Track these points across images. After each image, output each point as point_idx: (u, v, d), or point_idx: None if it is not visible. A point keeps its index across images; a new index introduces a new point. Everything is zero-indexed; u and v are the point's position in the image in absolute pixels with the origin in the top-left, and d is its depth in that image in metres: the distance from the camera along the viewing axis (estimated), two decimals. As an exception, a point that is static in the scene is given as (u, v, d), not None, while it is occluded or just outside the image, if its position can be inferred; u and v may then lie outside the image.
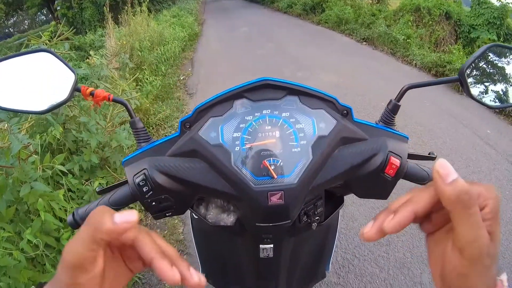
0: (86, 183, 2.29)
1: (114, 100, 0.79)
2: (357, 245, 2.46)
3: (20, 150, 1.72)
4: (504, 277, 0.35)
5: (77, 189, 2.21)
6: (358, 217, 2.71)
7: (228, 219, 0.80)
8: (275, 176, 0.66)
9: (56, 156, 2.00)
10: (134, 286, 2.23)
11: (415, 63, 7.04)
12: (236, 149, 0.68)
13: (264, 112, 0.72)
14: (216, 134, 0.70)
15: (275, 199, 0.66)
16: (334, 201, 0.90)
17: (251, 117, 0.71)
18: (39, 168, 1.87)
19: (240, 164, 0.67)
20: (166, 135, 0.76)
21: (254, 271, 0.98)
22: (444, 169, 0.33)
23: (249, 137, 0.69)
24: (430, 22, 9.59)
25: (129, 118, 0.81)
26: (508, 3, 9.58)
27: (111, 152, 2.45)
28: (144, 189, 0.70)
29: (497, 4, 9.73)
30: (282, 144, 0.69)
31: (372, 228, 0.38)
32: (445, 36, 9.87)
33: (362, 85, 5.62)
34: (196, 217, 0.84)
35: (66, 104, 0.83)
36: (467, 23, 10.01)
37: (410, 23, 9.24)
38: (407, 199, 0.37)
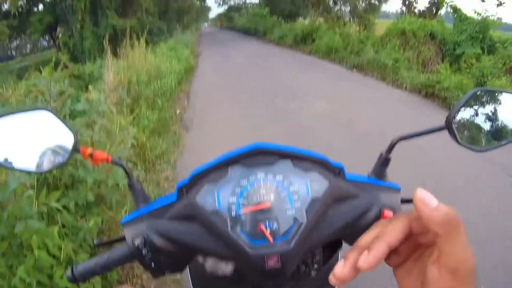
0: (81, 220, 2.28)
1: (113, 162, 0.80)
2: (359, 280, 2.42)
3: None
4: None
5: (72, 226, 2.20)
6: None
7: (226, 268, 0.81)
8: (271, 240, 0.67)
9: (52, 193, 1.99)
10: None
11: (405, 86, 7.20)
12: (232, 214, 0.70)
13: (258, 176, 0.73)
14: (212, 200, 0.71)
15: (272, 263, 0.67)
16: (332, 243, 0.90)
17: (246, 181, 0.73)
18: (35, 204, 1.87)
19: (236, 229, 0.68)
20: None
21: None
22: (427, 196, 0.34)
23: (245, 202, 0.71)
24: (416, 44, 9.85)
25: (128, 181, 0.83)
26: (488, 16, 9.87)
27: (107, 190, 2.46)
28: (143, 252, 0.71)
29: (478, 18, 9.98)
30: (277, 207, 0.70)
31: (344, 268, 0.38)
32: (432, 55, 10.08)
33: (354, 112, 5.69)
34: (194, 265, 0.85)
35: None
36: (451, 40, 10.20)
37: (397, 47, 9.49)
38: (377, 233, 0.38)
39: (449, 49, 10.29)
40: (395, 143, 0.79)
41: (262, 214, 0.69)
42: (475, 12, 10.14)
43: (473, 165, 3.96)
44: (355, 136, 4.72)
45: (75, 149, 0.76)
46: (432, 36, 10.37)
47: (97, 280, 1.99)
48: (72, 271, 0.76)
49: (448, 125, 0.74)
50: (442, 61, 9.69)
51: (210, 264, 0.82)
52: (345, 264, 0.37)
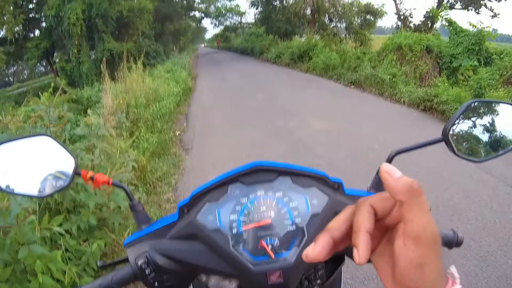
0: (84, 244, 2.27)
1: (114, 185, 0.82)
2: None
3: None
4: (453, 269, 0.38)
5: (75, 249, 2.19)
6: (363, 266, 2.66)
7: (230, 286, 0.81)
8: (273, 256, 0.68)
9: (54, 218, 1.99)
10: None
11: (403, 101, 7.21)
12: (233, 232, 0.71)
13: (258, 193, 0.74)
14: (213, 218, 0.72)
15: (274, 278, 0.68)
16: (335, 258, 0.89)
17: (246, 199, 0.74)
18: (37, 229, 1.86)
19: (238, 246, 0.69)
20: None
21: None
22: (391, 169, 0.36)
23: (245, 219, 0.72)
24: (413, 58, 9.91)
25: (130, 202, 0.84)
26: (483, 28, 9.94)
27: (109, 213, 2.45)
28: (147, 271, 0.72)
29: (473, 30, 10.07)
30: (278, 223, 0.71)
31: (313, 249, 0.40)
32: (429, 69, 10.15)
33: (354, 129, 5.71)
34: (197, 284, 0.85)
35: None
36: (448, 53, 10.29)
37: (394, 62, 9.54)
38: (345, 216, 0.41)
39: (446, 62, 10.39)
40: (393, 157, 0.80)
41: (263, 230, 0.70)
42: (470, 24, 10.27)
43: (471, 176, 3.97)
44: (355, 152, 4.72)
45: (76, 172, 0.77)
46: (429, 49, 10.47)
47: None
48: None
49: (445, 137, 0.75)
50: (439, 75, 9.73)
51: (214, 282, 0.82)
52: (314, 246, 0.39)
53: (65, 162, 0.78)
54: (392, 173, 0.36)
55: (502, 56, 9.43)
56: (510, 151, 0.78)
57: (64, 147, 0.78)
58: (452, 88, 7.33)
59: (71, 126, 3.20)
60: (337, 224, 0.40)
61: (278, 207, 0.72)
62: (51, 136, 0.79)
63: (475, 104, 0.80)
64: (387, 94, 7.90)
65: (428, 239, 0.33)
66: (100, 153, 2.72)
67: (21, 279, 1.80)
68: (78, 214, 2.32)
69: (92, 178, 0.80)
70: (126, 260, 0.77)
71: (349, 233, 0.40)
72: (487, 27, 10.07)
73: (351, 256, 0.81)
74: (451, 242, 0.82)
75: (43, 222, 1.90)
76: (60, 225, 2.02)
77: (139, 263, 0.72)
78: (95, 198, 2.26)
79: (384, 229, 0.40)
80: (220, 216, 0.72)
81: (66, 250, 2.13)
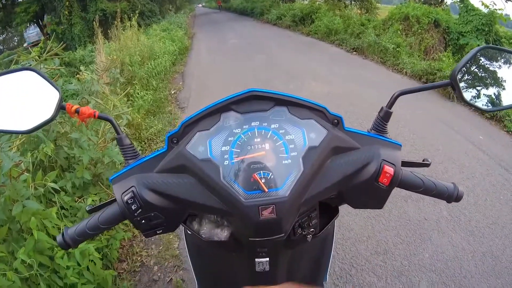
0: (79, 200, 2.26)
1: (100, 117, 0.77)
2: (354, 255, 2.45)
3: (12, 168, 1.69)
4: None
5: (70, 206, 2.18)
6: (354, 227, 2.70)
7: (222, 234, 0.79)
8: (266, 190, 0.65)
9: (48, 174, 1.97)
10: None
11: (406, 72, 7.12)
12: (225, 163, 0.67)
13: (253, 124, 0.71)
14: (204, 149, 0.69)
15: (266, 213, 0.64)
16: (329, 212, 0.88)
17: (240, 129, 0.70)
18: (31, 186, 1.84)
19: (229, 179, 0.66)
20: (158, 149, 0.75)
21: (250, 286, 0.96)
22: None
23: (238, 151, 0.68)
24: (419, 30, 9.70)
25: (116, 135, 0.80)
26: (496, 9, 9.68)
27: (104, 168, 2.43)
28: (133, 207, 0.68)
29: (485, 10, 9.80)
30: (272, 156, 0.67)
31: None
32: (435, 44, 9.98)
33: (353, 95, 5.66)
34: (190, 233, 0.83)
35: (57, 121, 0.82)
36: (456, 30, 10.10)
37: (399, 32, 9.35)
38: None
39: (453, 38, 10.18)
40: (397, 97, 0.76)
41: (256, 163, 0.66)
42: (482, 4, 9.97)
43: (466, 153, 3.97)
44: (354, 118, 4.72)
45: (61, 106, 0.73)
46: (436, 23, 10.23)
47: (96, 258, 1.99)
48: (63, 236, 0.73)
49: (453, 81, 0.71)
50: (445, 50, 9.55)
51: (206, 230, 0.80)
52: None
53: (50, 96, 0.73)
54: None
55: (511, 41, 9.28)
56: None
57: (48, 81, 0.74)
58: (457, 63, 7.17)
59: (63, 82, 3.11)
60: None
61: (273, 139, 0.69)
62: (35, 70, 0.74)
63: (486, 51, 0.76)
64: (389, 63, 7.78)
65: None
66: (94, 108, 2.65)
67: (17, 238, 1.79)
68: (73, 171, 2.30)
69: (77, 111, 0.75)
70: (114, 200, 0.73)
71: None
72: (499, 9, 9.79)
73: (350, 204, 0.77)
74: (451, 196, 0.78)
75: (37, 178, 1.88)
76: (55, 182, 1.99)
77: (125, 198, 0.68)
78: (89, 153, 2.22)
79: None
80: (212, 146, 0.68)
81: (62, 207, 2.12)
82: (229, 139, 0.69)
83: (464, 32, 9.92)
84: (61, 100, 0.73)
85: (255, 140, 0.69)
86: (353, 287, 2.21)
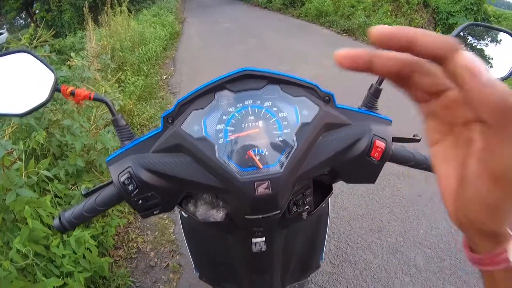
0: (73, 187, 2.25)
1: (95, 99, 0.77)
2: (349, 233, 2.48)
3: (4, 157, 1.68)
4: None
5: (64, 194, 2.17)
6: (348, 206, 2.72)
7: (218, 214, 0.79)
8: (261, 166, 0.66)
9: (41, 162, 1.96)
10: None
11: (396, 52, 7.11)
12: (220, 141, 0.68)
13: (246, 102, 0.71)
14: (199, 127, 0.69)
15: (262, 189, 0.65)
16: (323, 190, 0.90)
17: (234, 108, 0.71)
18: (24, 174, 1.82)
19: (224, 156, 0.67)
20: (153, 129, 0.75)
21: (247, 266, 0.97)
22: (477, 63, 0.23)
23: (233, 129, 0.69)
24: (409, 11, 9.67)
25: (112, 117, 0.80)
26: None
27: (97, 155, 2.42)
28: (130, 188, 0.69)
29: None
30: (266, 133, 0.68)
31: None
32: (424, 24, 9.98)
33: (344, 76, 5.62)
34: (186, 215, 0.83)
35: (49, 108, 0.81)
36: (445, 10, 10.11)
37: (389, 13, 9.33)
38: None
39: (442, 18, 10.21)
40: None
41: (250, 141, 0.67)
42: None
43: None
44: (347, 99, 4.68)
45: (56, 88, 0.73)
46: (426, 4, 10.22)
47: (92, 245, 1.99)
48: (59, 219, 0.74)
49: None
50: (434, 30, 9.59)
51: (202, 212, 0.80)
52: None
53: (45, 78, 0.73)
54: (477, 70, 0.23)
55: (500, 19, 9.29)
56: (501, 80, 0.73)
57: (44, 63, 0.73)
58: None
59: (54, 68, 3.07)
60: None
61: (266, 116, 0.69)
62: (30, 52, 0.73)
63: (472, 29, 0.76)
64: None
65: (510, 184, 0.24)
66: (85, 95, 2.63)
67: (12, 228, 1.79)
68: (66, 159, 2.29)
69: (72, 93, 0.75)
70: (111, 183, 0.73)
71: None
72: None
73: (344, 179, 0.79)
74: (411, 161, 0.81)
75: (29, 166, 1.86)
76: (48, 170, 1.98)
77: (122, 179, 0.68)
78: (82, 139, 2.21)
79: (451, 123, 0.30)
80: (206, 125, 0.69)
81: (56, 196, 2.11)
82: (224, 117, 0.70)
83: (453, 11, 9.94)
84: (56, 82, 0.73)
85: (249, 118, 0.70)
86: (350, 265, 2.24)
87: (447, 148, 0.31)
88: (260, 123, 0.69)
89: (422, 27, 9.76)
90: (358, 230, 2.50)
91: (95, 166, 2.46)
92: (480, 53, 0.77)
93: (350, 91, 5.02)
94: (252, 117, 0.70)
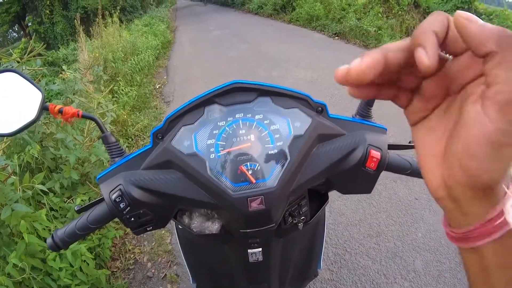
0: (68, 200, 2.24)
1: (84, 116, 0.77)
2: (347, 239, 2.47)
3: (-2, 172, 1.67)
4: None
5: (60, 207, 2.16)
6: (345, 211, 2.72)
7: (213, 226, 0.78)
8: (254, 181, 0.65)
9: (36, 175, 1.95)
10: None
11: (389, 54, 7.16)
12: (211, 157, 0.67)
13: (237, 116, 0.71)
14: (189, 143, 0.68)
15: (255, 205, 0.65)
16: (319, 198, 0.89)
17: (224, 122, 0.70)
18: (19, 189, 1.81)
19: (216, 172, 0.66)
20: (144, 146, 0.75)
21: (245, 276, 0.96)
22: (469, 15, 0.26)
23: (224, 143, 0.68)
24: (400, 12, 9.72)
25: (102, 134, 0.80)
26: None
27: (91, 167, 2.41)
28: (121, 206, 0.68)
29: None
30: (258, 147, 0.67)
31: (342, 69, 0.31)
32: (415, 24, 9.96)
33: (338, 80, 5.66)
34: (181, 227, 0.82)
35: (42, 121, 0.81)
36: (436, 9, 10.10)
37: (380, 15, 9.38)
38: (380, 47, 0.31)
39: None
40: None
41: (242, 155, 0.66)
42: None
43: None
44: (340, 102, 4.73)
45: (44, 107, 0.73)
46: (416, 4, 10.25)
47: (89, 258, 1.98)
48: (52, 238, 0.73)
49: None
50: None
51: (197, 224, 0.79)
52: (361, 60, 0.30)
53: (33, 97, 0.72)
54: (472, 19, 0.26)
55: (491, 17, 9.35)
56: None
57: (31, 82, 0.73)
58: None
59: (46, 82, 3.06)
60: (394, 46, 0.30)
61: (258, 130, 0.68)
62: (17, 71, 0.73)
63: None
64: (372, 46, 7.79)
65: None
66: (78, 107, 2.63)
67: (8, 242, 1.77)
68: (60, 172, 2.27)
69: (60, 111, 0.75)
70: (103, 199, 0.72)
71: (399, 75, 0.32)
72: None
73: (339, 190, 0.78)
74: (407, 169, 0.81)
75: (24, 180, 1.86)
76: (43, 183, 1.97)
77: (113, 197, 0.67)
78: (76, 152, 2.20)
79: (439, 96, 0.32)
80: (197, 140, 0.68)
81: (51, 209, 2.10)
82: (214, 132, 0.69)
83: (444, 11, 9.95)
84: (44, 101, 0.73)
85: (240, 131, 0.69)
86: (348, 271, 2.23)
87: (433, 120, 0.33)
88: (252, 136, 0.68)
89: (413, 27, 9.82)
90: (356, 236, 2.50)
91: (90, 178, 2.44)
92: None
93: (344, 93, 5.06)
94: (244, 131, 0.69)
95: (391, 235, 2.49)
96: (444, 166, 0.30)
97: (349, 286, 2.14)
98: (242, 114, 0.71)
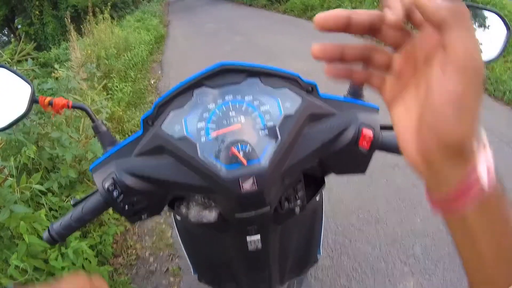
0: (67, 199, 2.24)
1: (74, 107, 0.77)
2: (346, 226, 2.48)
3: (-5, 175, 1.67)
4: (484, 136, 0.31)
5: (59, 206, 2.16)
6: (344, 199, 2.72)
7: (210, 215, 0.79)
8: (245, 162, 0.64)
9: (33, 176, 1.95)
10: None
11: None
12: (202, 140, 0.67)
13: (226, 98, 0.70)
14: (180, 127, 0.68)
15: (247, 186, 0.64)
16: (315, 183, 0.89)
17: (214, 104, 0.70)
18: (17, 190, 1.81)
19: (207, 155, 0.65)
20: (136, 132, 0.75)
21: (245, 265, 0.96)
22: None
23: (214, 126, 0.68)
24: (395, -1, 9.70)
25: (92, 123, 0.80)
26: None
27: (89, 164, 2.40)
28: (115, 194, 0.68)
29: None
30: (249, 128, 0.67)
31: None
32: (413, 10, 10.00)
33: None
34: (179, 218, 0.82)
35: (37, 122, 0.81)
36: None
37: (375, 3, 9.33)
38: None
39: None
40: None
41: (233, 137, 0.66)
42: None
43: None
44: (338, 91, 4.67)
45: (34, 100, 0.73)
46: (413, -9, 10.25)
47: (91, 256, 1.98)
48: (49, 231, 0.73)
49: None
50: None
51: (194, 213, 0.79)
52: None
53: (22, 91, 0.72)
54: None
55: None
56: (492, 61, 0.75)
57: (19, 75, 0.73)
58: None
59: (39, 82, 3.04)
60: (362, 10, 0.34)
61: (248, 111, 0.68)
62: (4, 66, 0.73)
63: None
64: (368, 35, 7.82)
65: (473, 73, 0.27)
66: (73, 106, 2.62)
67: (9, 244, 1.77)
68: (58, 171, 2.27)
69: (50, 103, 0.76)
70: (97, 191, 0.73)
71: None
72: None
73: (334, 171, 0.79)
74: None
75: (21, 181, 1.85)
76: (40, 184, 1.97)
77: (106, 185, 0.67)
78: (72, 150, 2.20)
79: (409, 72, 0.34)
80: (187, 124, 0.68)
81: (50, 209, 2.10)
82: (204, 115, 0.69)
83: (441, -2, 9.94)
84: (34, 93, 0.73)
85: (230, 113, 0.69)
86: (348, 257, 2.25)
87: (406, 98, 0.34)
88: (242, 118, 0.68)
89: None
90: (355, 223, 2.51)
91: (88, 176, 2.44)
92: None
93: (343, 86, 5.02)
94: (234, 112, 0.69)
95: (390, 221, 2.50)
96: (418, 137, 0.32)
97: (349, 272, 2.16)
98: (232, 95, 0.70)
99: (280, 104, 0.69)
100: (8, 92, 0.73)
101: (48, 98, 0.75)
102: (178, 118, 0.69)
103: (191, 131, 0.67)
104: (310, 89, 0.74)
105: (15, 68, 2.38)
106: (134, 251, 2.52)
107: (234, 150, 0.65)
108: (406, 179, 2.86)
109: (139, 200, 0.71)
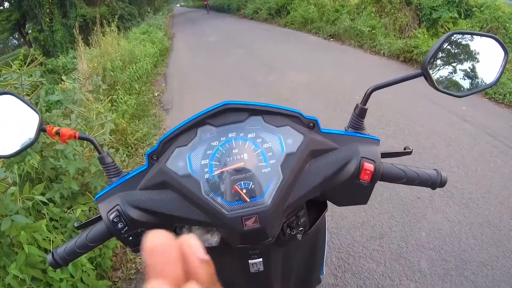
0: (69, 211, 2.23)
1: (81, 138, 0.78)
2: (350, 243, 2.45)
3: (-2, 184, 1.66)
4: None
5: (60, 217, 2.15)
6: (347, 214, 2.70)
7: (213, 239, 0.78)
8: (248, 200, 0.65)
9: (36, 186, 1.95)
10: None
11: (383, 52, 7.22)
12: (205, 177, 0.67)
13: (230, 135, 0.71)
14: (184, 164, 0.69)
15: (250, 223, 0.65)
16: (318, 206, 0.88)
17: (217, 142, 0.71)
18: (19, 200, 1.81)
19: (211, 192, 0.66)
20: (139, 167, 0.76)
21: (246, 287, 0.95)
22: (197, 245, 0.30)
23: (217, 163, 0.68)
24: (392, 10, 9.78)
25: (98, 155, 0.81)
26: None
27: (91, 177, 2.40)
28: (119, 225, 0.69)
29: None
30: (251, 166, 0.68)
31: None
32: (408, 21, 10.05)
33: (334, 81, 5.68)
34: None
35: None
36: (427, 5, 10.14)
37: (373, 14, 9.45)
38: None
39: (426, 14, 10.24)
40: (370, 93, 0.77)
41: (236, 174, 0.67)
42: None
43: (451, 125, 4.00)
44: (337, 105, 4.69)
45: (41, 128, 0.74)
46: (408, 1, 10.31)
47: (90, 269, 1.96)
48: (53, 255, 0.74)
49: (424, 71, 0.72)
50: (419, 27, 9.67)
51: (196, 236, 0.78)
52: None
53: (30, 119, 0.74)
54: (196, 250, 0.29)
55: (482, 9, 9.36)
56: (491, 86, 0.76)
57: (28, 104, 0.74)
58: (432, 39, 7.32)
59: (46, 93, 3.07)
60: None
61: (251, 148, 0.69)
62: (14, 94, 0.74)
63: (456, 37, 0.76)
64: (366, 46, 7.88)
65: None
66: (77, 117, 2.63)
67: (8, 253, 1.77)
68: (60, 182, 2.27)
69: (57, 133, 0.77)
70: (101, 217, 0.73)
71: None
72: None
73: (333, 201, 0.78)
74: (435, 183, 0.79)
75: (24, 191, 1.85)
76: (43, 194, 1.97)
77: (111, 217, 0.69)
78: (76, 163, 2.19)
79: None
80: (191, 161, 0.69)
81: (51, 219, 2.09)
82: (208, 152, 0.70)
83: (436, 6, 9.95)
84: (41, 122, 0.74)
85: (233, 151, 0.69)
86: (353, 275, 2.21)
87: None
88: (245, 155, 0.69)
89: (406, 25, 9.86)
90: (358, 239, 2.48)
91: (90, 188, 2.43)
92: (464, 60, 0.77)
93: (340, 95, 5.06)
94: (237, 150, 0.69)
95: (394, 236, 2.47)
96: None
97: (354, 291, 2.13)
98: (235, 133, 0.71)
99: (282, 142, 0.70)
100: (17, 119, 0.75)
101: (56, 128, 0.76)
102: (183, 155, 0.70)
103: (195, 168, 0.68)
104: (312, 125, 0.75)
105: (23, 78, 2.39)
106: (133, 265, 2.49)
107: (237, 187, 0.66)
108: (410, 192, 2.85)
109: (142, 232, 0.71)
